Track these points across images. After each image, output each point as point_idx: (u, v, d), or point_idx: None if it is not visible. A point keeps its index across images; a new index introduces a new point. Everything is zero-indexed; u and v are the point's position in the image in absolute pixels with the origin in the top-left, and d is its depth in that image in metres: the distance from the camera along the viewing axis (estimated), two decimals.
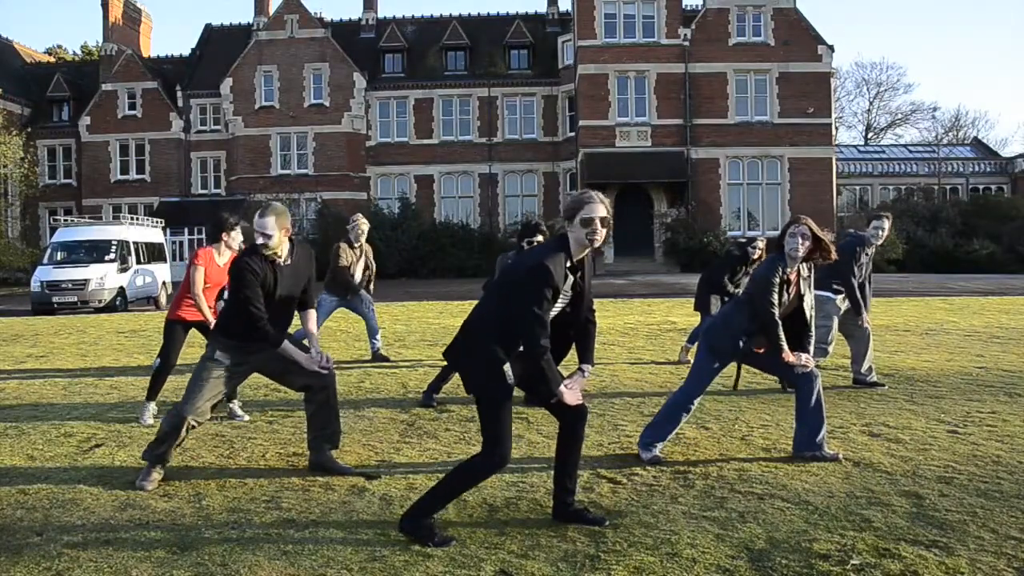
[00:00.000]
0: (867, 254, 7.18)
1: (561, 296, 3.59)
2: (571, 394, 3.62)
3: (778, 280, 4.73)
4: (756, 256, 8.81)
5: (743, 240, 9.26)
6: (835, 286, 7.12)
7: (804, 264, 4.85)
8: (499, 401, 3.56)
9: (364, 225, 9.06)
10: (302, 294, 4.68)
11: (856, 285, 7.04)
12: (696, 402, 5.05)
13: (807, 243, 4.73)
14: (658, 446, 4.89)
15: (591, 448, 5.03)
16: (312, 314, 4.84)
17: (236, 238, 6.23)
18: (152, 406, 6.20)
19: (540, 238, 6.39)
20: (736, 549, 3.45)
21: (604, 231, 3.51)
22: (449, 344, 3.77)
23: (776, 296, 4.72)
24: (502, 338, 3.56)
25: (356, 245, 9.00)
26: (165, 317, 6.51)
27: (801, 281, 4.86)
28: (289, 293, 4.55)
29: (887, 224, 7.20)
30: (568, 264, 3.55)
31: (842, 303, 7.21)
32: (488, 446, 3.59)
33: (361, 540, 3.60)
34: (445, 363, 7.04)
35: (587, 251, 3.60)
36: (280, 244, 4.44)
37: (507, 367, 3.56)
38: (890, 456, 4.86)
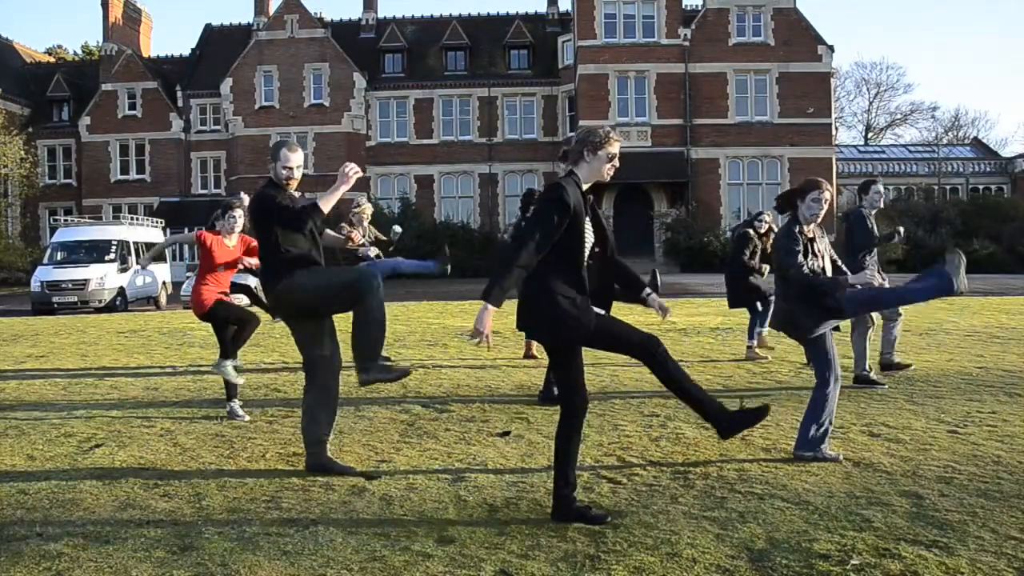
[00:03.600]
0: (872, 222, 7.22)
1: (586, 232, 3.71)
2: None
3: (800, 242, 4.70)
4: (764, 230, 8.91)
5: (747, 219, 9.33)
6: (865, 266, 7.07)
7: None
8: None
9: (368, 209, 8.97)
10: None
11: (876, 250, 7.13)
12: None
13: (826, 207, 4.77)
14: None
15: (591, 448, 5.03)
16: (328, 232, 5.07)
17: (237, 220, 6.30)
18: (229, 363, 6.18)
19: None
20: (736, 549, 3.45)
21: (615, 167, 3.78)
22: (518, 313, 3.77)
23: (802, 254, 4.66)
24: (557, 282, 3.60)
25: (360, 228, 8.95)
26: (195, 316, 6.45)
27: (818, 239, 4.87)
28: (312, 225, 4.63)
29: (882, 187, 7.30)
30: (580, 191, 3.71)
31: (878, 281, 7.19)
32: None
33: (361, 540, 3.60)
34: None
35: (592, 182, 3.77)
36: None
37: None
38: (890, 456, 4.86)
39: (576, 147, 3.74)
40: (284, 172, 4.58)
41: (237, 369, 6.29)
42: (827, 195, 4.76)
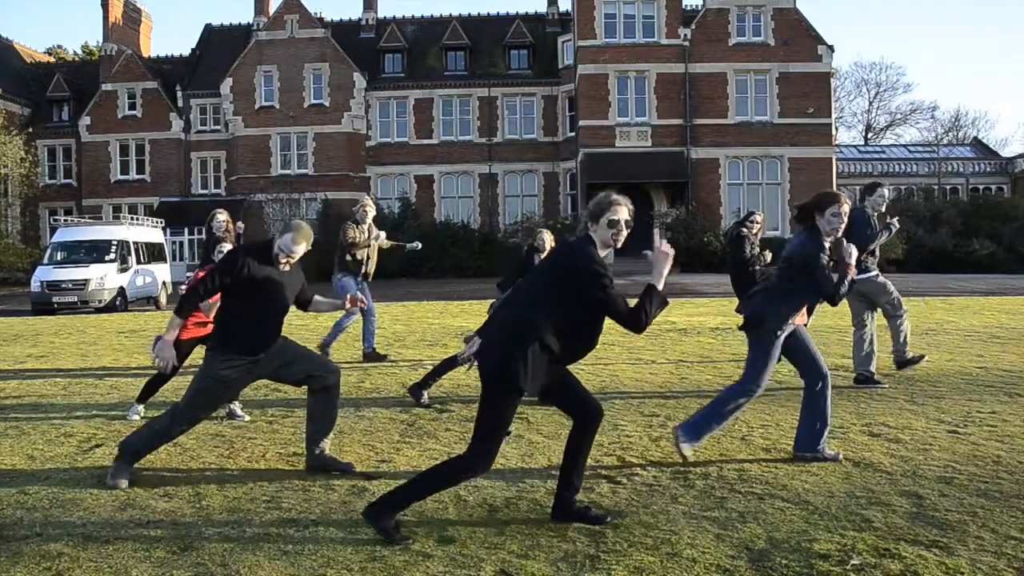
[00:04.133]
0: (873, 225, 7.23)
1: None
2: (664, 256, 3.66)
3: (827, 257, 4.71)
4: (756, 230, 8.94)
5: (738, 220, 9.35)
6: (867, 265, 7.09)
7: None
8: (513, 404, 3.55)
9: (371, 209, 9.08)
10: (301, 295, 4.75)
11: (877, 250, 7.22)
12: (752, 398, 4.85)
13: (846, 220, 4.76)
14: (699, 443, 4.75)
15: (591, 448, 5.02)
16: (319, 298, 4.94)
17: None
18: (141, 408, 6.31)
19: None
20: (736, 549, 3.45)
21: (625, 233, 3.64)
22: (480, 338, 3.71)
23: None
24: (551, 337, 3.53)
25: (363, 225, 9.00)
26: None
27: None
28: (287, 299, 4.62)
29: (887, 191, 7.31)
30: None
31: (880, 279, 7.21)
32: (478, 448, 3.54)
33: (361, 540, 3.60)
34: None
35: (608, 251, 3.68)
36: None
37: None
38: (890, 456, 4.86)
39: (583, 218, 3.73)
40: (280, 255, 4.47)
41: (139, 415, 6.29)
42: (846, 208, 4.72)
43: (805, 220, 4.80)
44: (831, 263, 4.71)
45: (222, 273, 4.43)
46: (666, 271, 3.67)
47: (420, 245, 9.72)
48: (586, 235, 3.66)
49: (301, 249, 4.50)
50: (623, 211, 3.63)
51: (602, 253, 3.64)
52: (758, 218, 9.11)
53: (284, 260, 4.48)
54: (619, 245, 3.64)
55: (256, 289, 4.42)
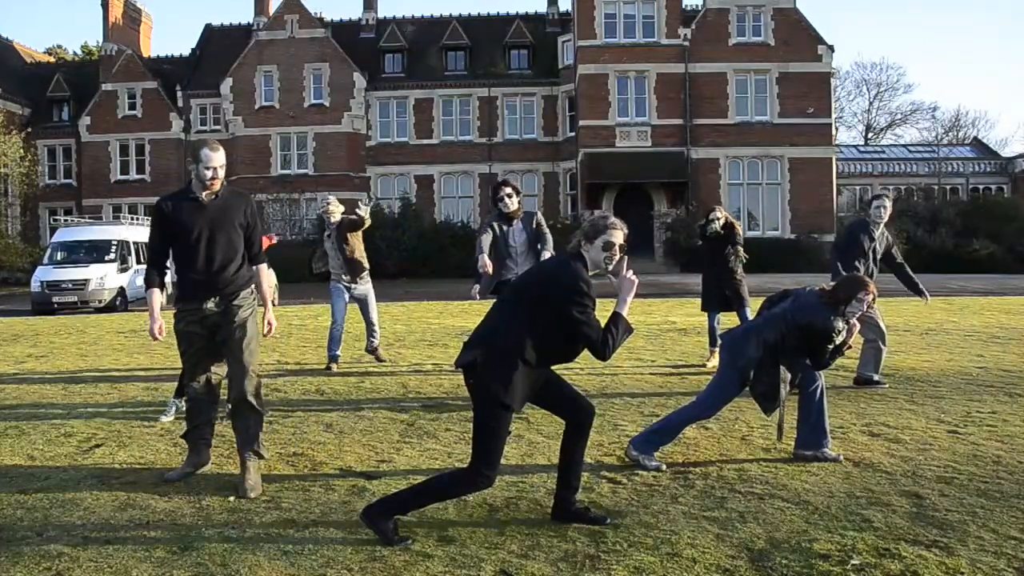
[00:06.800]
0: (872, 238, 7.13)
1: None
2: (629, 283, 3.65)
3: (837, 333, 4.74)
4: (719, 226, 8.80)
5: (702, 223, 9.23)
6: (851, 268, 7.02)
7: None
8: (504, 418, 3.52)
9: (335, 208, 8.85)
10: (251, 241, 4.67)
11: (867, 272, 6.99)
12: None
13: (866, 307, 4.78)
14: (655, 455, 4.83)
15: (591, 448, 5.02)
16: (263, 269, 4.81)
17: None
18: (180, 402, 6.23)
19: (508, 190, 6.68)
20: (736, 549, 3.45)
21: (618, 258, 3.61)
22: (462, 353, 3.65)
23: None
24: (532, 351, 3.52)
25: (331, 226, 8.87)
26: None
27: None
28: (215, 233, 4.50)
29: (888, 201, 7.13)
30: None
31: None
32: (478, 463, 3.52)
33: (361, 540, 3.60)
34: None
35: (596, 272, 3.65)
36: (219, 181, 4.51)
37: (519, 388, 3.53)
38: (890, 456, 4.86)
39: (577, 234, 3.69)
40: (208, 172, 4.42)
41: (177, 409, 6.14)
42: (872, 297, 4.73)
43: (837, 305, 4.75)
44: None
45: (153, 226, 4.59)
46: (630, 298, 3.65)
47: (367, 206, 9.28)
48: (577, 252, 3.64)
49: (219, 156, 4.45)
50: (619, 235, 3.61)
51: (590, 274, 3.62)
52: (718, 215, 8.84)
53: (217, 176, 4.45)
54: (610, 269, 3.61)
55: (179, 228, 4.47)
